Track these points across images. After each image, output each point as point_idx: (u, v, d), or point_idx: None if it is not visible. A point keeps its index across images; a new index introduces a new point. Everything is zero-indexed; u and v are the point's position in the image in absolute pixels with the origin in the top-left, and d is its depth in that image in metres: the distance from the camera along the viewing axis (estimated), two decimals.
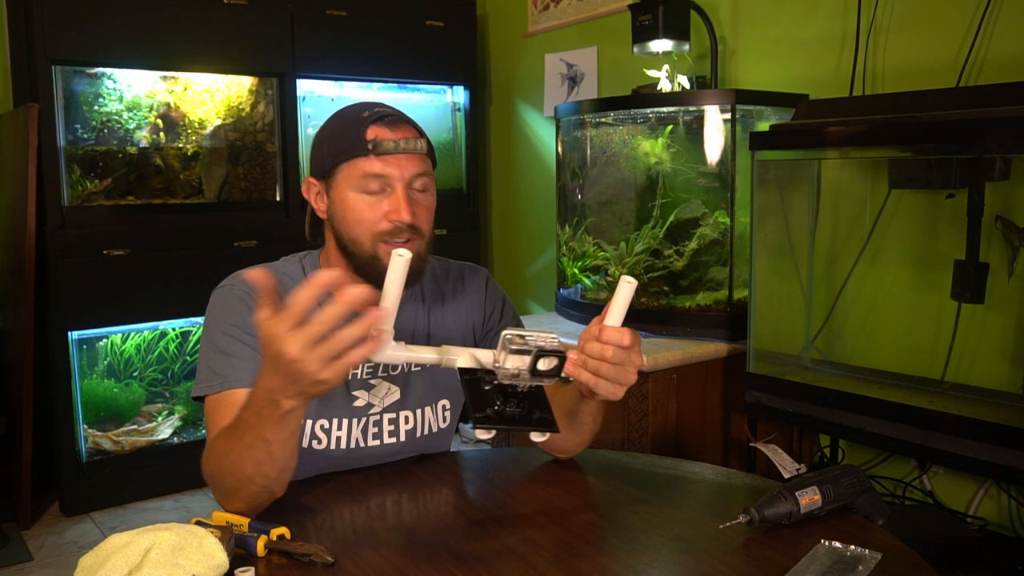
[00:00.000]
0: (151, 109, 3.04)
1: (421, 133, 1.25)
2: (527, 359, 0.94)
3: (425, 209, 1.24)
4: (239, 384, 1.17)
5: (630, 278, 1.05)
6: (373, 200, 1.21)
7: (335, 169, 1.23)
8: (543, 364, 0.95)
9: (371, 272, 1.21)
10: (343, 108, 1.28)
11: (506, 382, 0.96)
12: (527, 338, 0.95)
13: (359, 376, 1.30)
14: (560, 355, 0.95)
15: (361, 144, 1.20)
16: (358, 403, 1.29)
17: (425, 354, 1.02)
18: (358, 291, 0.87)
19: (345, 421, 1.28)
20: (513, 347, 0.94)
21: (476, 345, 1.40)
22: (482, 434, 0.95)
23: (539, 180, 3.57)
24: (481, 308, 1.41)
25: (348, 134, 1.21)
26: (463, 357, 1.01)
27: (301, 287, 0.89)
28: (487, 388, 0.97)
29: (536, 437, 0.99)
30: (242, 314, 1.21)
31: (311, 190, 1.28)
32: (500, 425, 0.95)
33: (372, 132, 1.20)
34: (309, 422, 1.26)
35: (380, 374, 1.31)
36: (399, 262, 0.95)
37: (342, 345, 0.89)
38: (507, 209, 3.83)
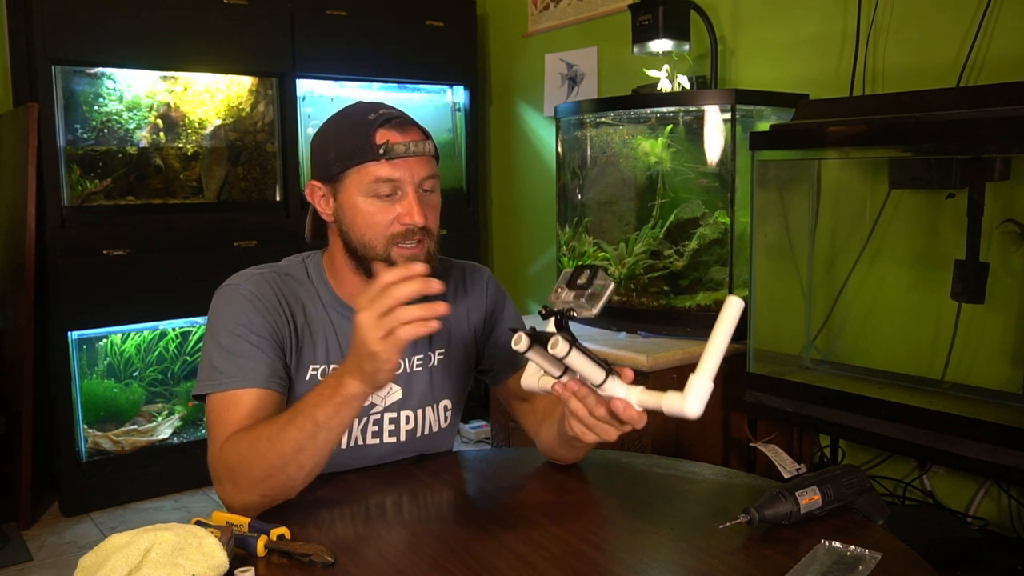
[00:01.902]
0: (151, 109, 3.04)
1: (427, 135, 1.25)
2: (566, 279, 1.01)
3: (433, 210, 1.24)
4: (245, 384, 1.17)
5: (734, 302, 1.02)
6: (384, 204, 1.20)
7: (344, 173, 1.21)
8: (582, 279, 1.00)
9: None
10: (345, 109, 1.26)
11: (568, 308, 1.00)
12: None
13: None
14: (595, 268, 1.00)
15: (371, 149, 1.18)
16: None
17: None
18: (424, 282, 0.99)
19: None
20: (564, 277, 1.01)
21: (475, 340, 1.41)
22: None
23: (539, 180, 3.57)
24: (483, 306, 1.41)
25: (356, 138, 1.20)
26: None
27: (389, 270, 1.00)
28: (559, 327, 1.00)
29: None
30: (248, 314, 1.21)
31: (315, 193, 1.26)
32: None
33: (382, 136, 1.19)
34: None
35: None
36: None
37: (397, 320, 0.98)
38: (507, 209, 3.83)
